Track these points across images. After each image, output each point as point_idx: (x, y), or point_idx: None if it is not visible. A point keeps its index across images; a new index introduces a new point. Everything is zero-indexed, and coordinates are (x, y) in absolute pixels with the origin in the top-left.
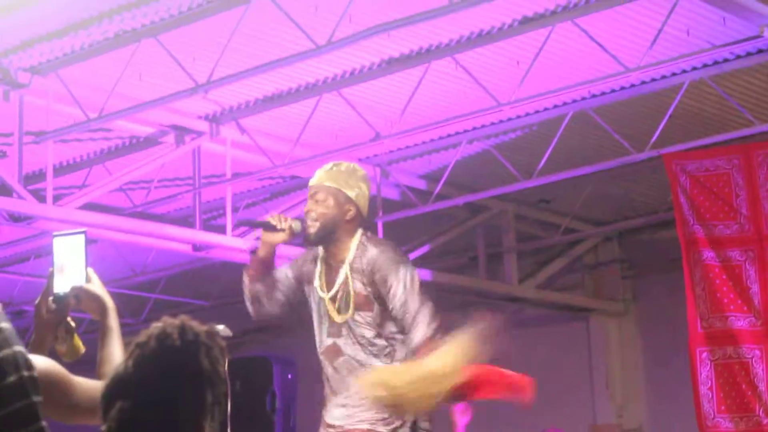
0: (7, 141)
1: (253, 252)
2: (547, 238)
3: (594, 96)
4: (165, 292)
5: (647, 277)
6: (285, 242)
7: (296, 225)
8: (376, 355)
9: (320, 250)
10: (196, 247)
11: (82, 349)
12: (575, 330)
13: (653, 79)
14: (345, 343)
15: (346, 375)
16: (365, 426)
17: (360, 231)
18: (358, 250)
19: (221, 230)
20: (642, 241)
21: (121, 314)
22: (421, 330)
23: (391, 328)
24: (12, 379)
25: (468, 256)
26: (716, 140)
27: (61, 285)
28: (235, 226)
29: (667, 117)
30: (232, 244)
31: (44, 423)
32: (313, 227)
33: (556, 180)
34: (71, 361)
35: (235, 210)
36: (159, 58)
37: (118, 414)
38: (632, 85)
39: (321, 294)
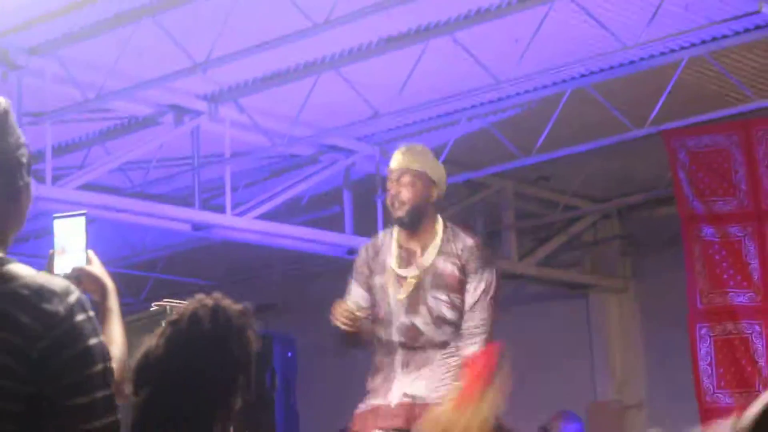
0: None
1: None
2: (547, 215)
3: (593, 73)
4: (165, 272)
5: (647, 253)
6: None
7: (354, 307)
8: (447, 337)
9: (391, 235)
10: (196, 227)
11: None
12: (575, 307)
13: (652, 56)
14: (423, 322)
15: (423, 352)
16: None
17: (439, 215)
18: (446, 234)
19: (220, 210)
20: (641, 217)
21: (120, 294)
22: (477, 342)
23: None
24: (99, 367)
25: None
26: (715, 116)
27: (62, 267)
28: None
29: (666, 93)
30: (231, 223)
31: (120, 416)
32: (403, 210)
33: (556, 157)
34: None
35: (234, 189)
36: (157, 37)
37: (148, 392)
38: (631, 62)
39: (400, 273)
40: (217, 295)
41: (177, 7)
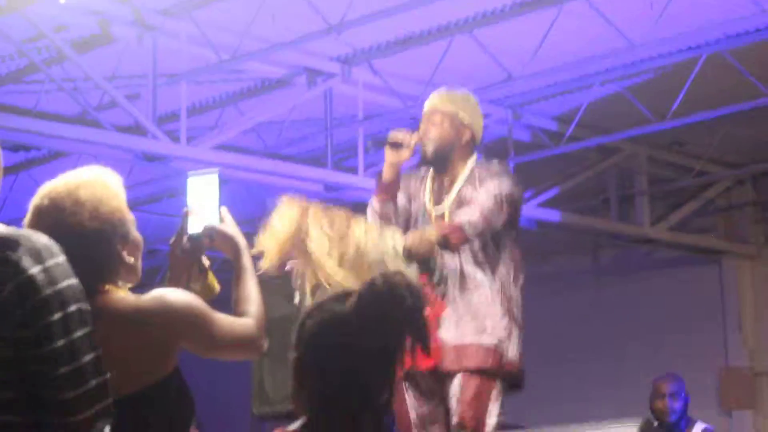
0: (141, 82)
1: (379, 176)
2: (680, 180)
3: (729, 37)
4: None
5: None
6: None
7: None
8: (477, 264)
9: (430, 170)
10: (328, 188)
11: (217, 288)
12: (707, 273)
13: None
14: (449, 255)
15: (450, 288)
16: (488, 339)
17: (476, 155)
18: (476, 167)
19: (353, 171)
20: None
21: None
22: (465, 212)
23: (503, 238)
24: (59, 315)
25: (600, 198)
26: None
27: (195, 225)
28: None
29: None
30: (363, 184)
31: (90, 358)
32: (430, 146)
33: (690, 122)
34: (206, 300)
35: (366, 151)
36: None
37: (331, 351)
38: None
39: (429, 208)
40: (399, 272)
41: None
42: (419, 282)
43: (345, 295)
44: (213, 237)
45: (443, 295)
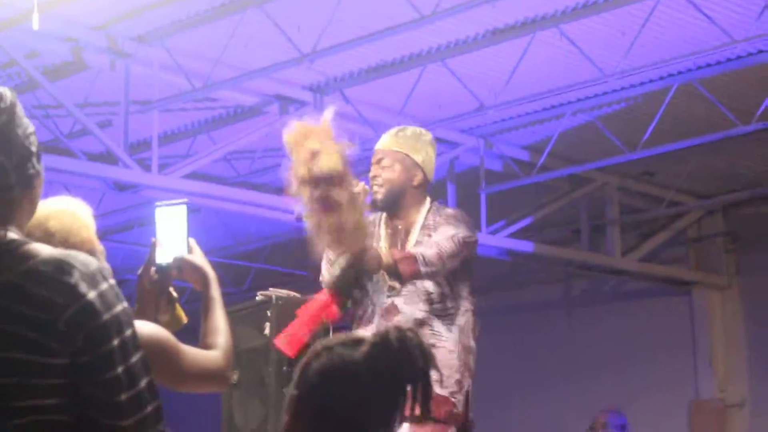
0: (113, 110)
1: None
2: (651, 210)
3: (700, 68)
4: (268, 262)
5: (751, 251)
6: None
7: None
8: (436, 315)
9: (383, 215)
10: (300, 217)
11: (185, 319)
12: (678, 303)
13: (761, 51)
14: (404, 302)
15: None
16: (441, 390)
17: (429, 198)
18: (431, 213)
19: None
20: (746, 214)
21: (223, 283)
22: (422, 248)
23: (461, 283)
24: (116, 341)
25: (571, 228)
26: None
27: (163, 255)
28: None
29: None
30: None
31: (147, 381)
32: (380, 193)
33: (661, 152)
34: (173, 331)
35: None
36: (264, 27)
37: (341, 399)
38: (739, 57)
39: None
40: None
41: None
42: (427, 344)
43: (356, 342)
44: (181, 268)
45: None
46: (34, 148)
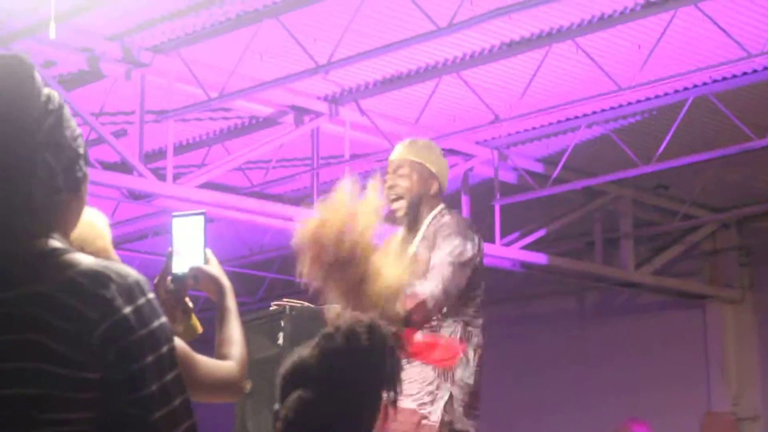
0: (129, 119)
1: None
2: (665, 224)
3: (715, 81)
4: (281, 272)
5: (765, 264)
6: None
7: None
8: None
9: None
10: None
11: (200, 329)
12: (691, 317)
13: None
14: None
15: None
16: (409, 403)
17: (442, 205)
18: (434, 220)
19: None
20: (761, 228)
21: (237, 293)
22: (428, 285)
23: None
24: (153, 356)
25: (584, 240)
26: None
27: (180, 265)
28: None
29: None
30: None
31: (182, 399)
32: (399, 204)
33: (675, 166)
34: (188, 341)
35: None
36: (280, 38)
37: (297, 402)
38: (755, 71)
39: None
40: (371, 314)
41: (299, 8)
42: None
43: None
44: (198, 278)
45: None
46: (81, 150)
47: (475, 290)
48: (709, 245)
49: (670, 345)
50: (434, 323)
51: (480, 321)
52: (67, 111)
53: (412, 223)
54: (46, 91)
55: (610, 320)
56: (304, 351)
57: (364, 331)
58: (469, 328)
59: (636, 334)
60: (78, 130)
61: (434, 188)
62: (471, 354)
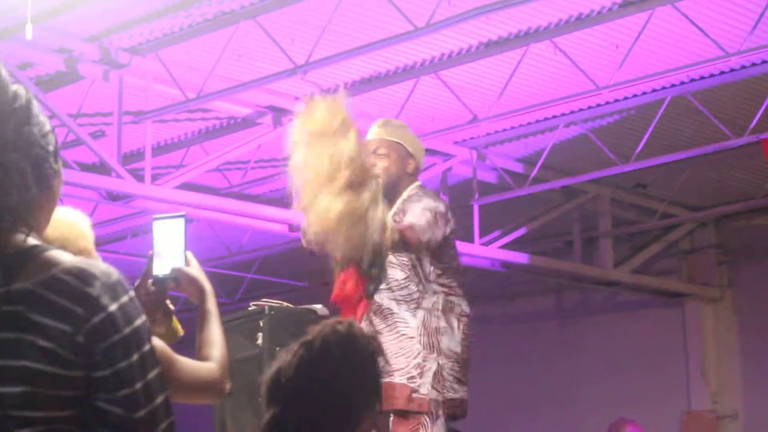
0: (107, 120)
1: None
2: (643, 222)
3: (693, 80)
4: (260, 272)
5: (743, 263)
6: None
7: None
8: (400, 302)
9: None
10: (293, 227)
11: (181, 331)
12: (670, 315)
13: (753, 64)
14: (377, 290)
15: (378, 323)
16: (399, 378)
17: (418, 182)
18: (407, 196)
19: None
20: (738, 227)
21: (216, 294)
22: (409, 217)
23: (427, 267)
24: (136, 355)
25: (564, 240)
26: None
27: (161, 268)
28: None
29: (767, 102)
30: None
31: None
32: (381, 180)
33: (653, 165)
34: (169, 343)
35: None
36: (258, 39)
37: (279, 410)
38: (732, 70)
39: None
40: (348, 320)
41: (277, 9)
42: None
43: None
44: (179, 280)
45: (371, 296)
46: (51, 147)
47: (450, 261)
48: (687, 244)
49: (649, 343)
50: (414, 295)
51: (461, 291)
52: (35, 107)
53: (390, 200)
54: (12, 87)
55: (590, 319)
56: (284, 358)
57: (340, 338)
58: (451, 298)
59: (615, 332)
60: (47, 126)
61: (411, 167)
62: (455, 323)
